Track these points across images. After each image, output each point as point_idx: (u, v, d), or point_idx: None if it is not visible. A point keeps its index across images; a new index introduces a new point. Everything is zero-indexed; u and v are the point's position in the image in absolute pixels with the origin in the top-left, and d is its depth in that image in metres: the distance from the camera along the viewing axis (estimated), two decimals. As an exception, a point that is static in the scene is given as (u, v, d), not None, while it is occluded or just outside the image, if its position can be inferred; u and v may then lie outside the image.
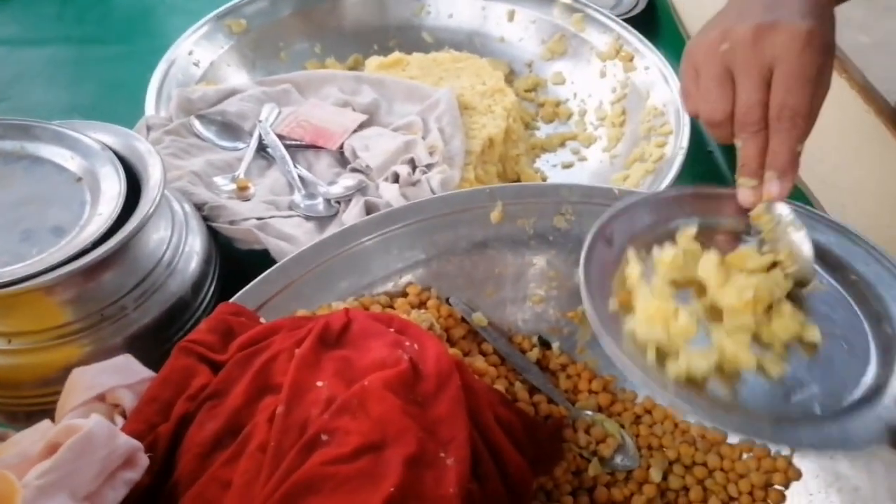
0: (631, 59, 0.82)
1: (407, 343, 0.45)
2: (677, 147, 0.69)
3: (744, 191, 0.46)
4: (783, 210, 0.47)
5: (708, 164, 0.80)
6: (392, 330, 0.46)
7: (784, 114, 0.42)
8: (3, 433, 0.45)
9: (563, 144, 0.82)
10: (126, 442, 0.37)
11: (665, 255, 0.45)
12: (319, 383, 0.42)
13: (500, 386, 0.51)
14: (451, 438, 0.42)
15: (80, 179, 0.52)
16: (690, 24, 0.92)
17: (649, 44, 0.82)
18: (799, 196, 0.66)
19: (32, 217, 0.49)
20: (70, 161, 0.52)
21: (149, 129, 0.68)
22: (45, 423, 0.40)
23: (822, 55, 0.42)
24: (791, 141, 0.43)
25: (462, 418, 0.42)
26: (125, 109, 0.76)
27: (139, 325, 0.49)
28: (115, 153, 0.53)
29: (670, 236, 0.47)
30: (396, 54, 0.83)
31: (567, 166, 0.79)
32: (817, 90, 0.42)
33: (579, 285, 0.44)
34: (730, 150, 0.80)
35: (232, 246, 0.60)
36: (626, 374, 0.43)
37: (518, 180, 0.76)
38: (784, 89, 0.42)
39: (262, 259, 0.58)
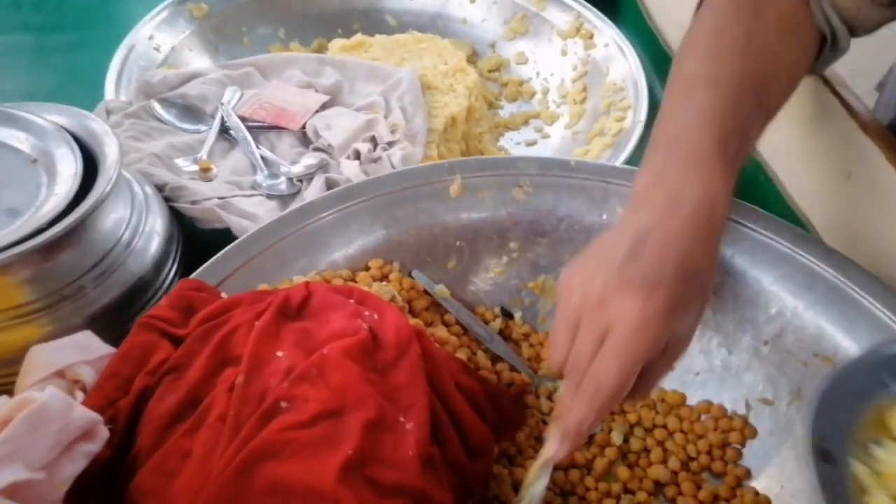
0: (591, 37, 0.83)
1: (366, 313, 0.46)
2: (636, 121, 0.71)
3: (549, 440, 0.43)
4: None
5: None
6: (352, 301, 0.47)
7: (590, 381, 0.40)
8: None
9: (526, 123, 0.82)
10: (84, 414, 0.38)
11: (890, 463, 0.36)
12: (279, 353, 0.43)
13: (462, 355, 0.52)
14: (411, 404, 0.42)
15: (35, 161, 0.52)
16: (650, 1, 0.93)
17: (608, 21, 0.83)
18: (754, 165, 0.67)
19: (-13, 199, 0.49)
20: (24, 143, 0.52)
21: (108, 112, 0.67)
22: (2, 399, 0.40)
23: (656, 335, 0.40)
24: (583, 409, 0.40)
25: (421, 385, 0.43)
26: (85, 96, 0.75)
27: (99, 305, 0.49)
28: (71, 134, 0.52)
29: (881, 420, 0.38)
30: (359, 36, 0.83)
31: (531, 144, 0.80)
32: (634, 366, 0.40)
33: None
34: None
35: (195, 226, 0.60)
36: None
37: (482, 158, 0.77)
38: (602, 359, 0.40)
39: (225, 239, 0.58)
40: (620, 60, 0.79)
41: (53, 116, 0.54)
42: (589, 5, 0.86)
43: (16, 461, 0.33)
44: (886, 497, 0.35)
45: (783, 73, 0.50)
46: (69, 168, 0.51)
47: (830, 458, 0.36)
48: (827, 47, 0.52)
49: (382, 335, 0.44)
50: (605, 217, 0.57)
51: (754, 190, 0.68)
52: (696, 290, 0.42)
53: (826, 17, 0.50)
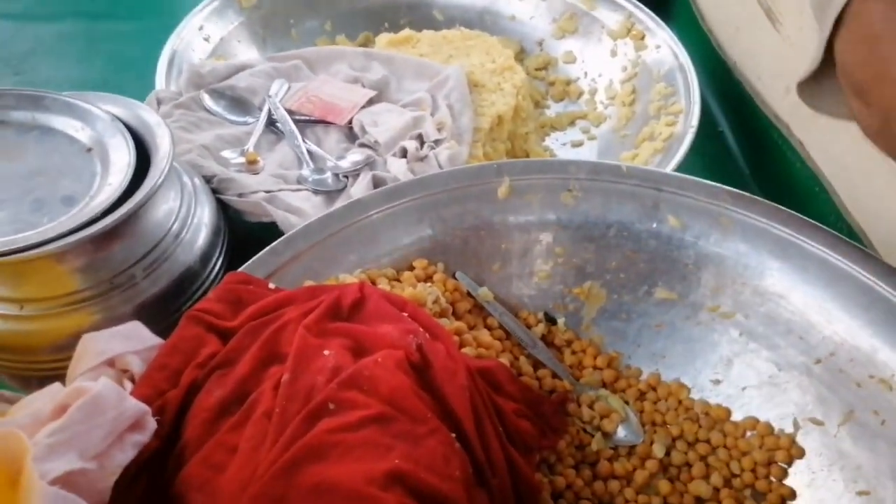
0: (642, 38, 0.82)
1: (420, 330, 0.45)
2: (687, 126, 0.69)
3: None
4: None
5: (718, 144, 0.79)
6: (405, 314, 0.47)
7: None
8: (16, 397, 0.45)
9: (572, 123, 0.81)
10: (134, 405, 0.38)
11: None
12: (326, 352, 0.43)
13: (504, 360, 0.52)
14: (457, 428, 0.42)
15: (90, 150, 0.52)
16: (703, 1, 0.90)
17: (661, 22, 0.81)
18: (808, 176, 0.65)
19: (43, 187, 0.49)
20: (80, 132, 0.53)
21: (159, 102, 0.68)
22: (56, 385, 0.40)
23: None
24: None
25: (467, 413, 0.42)
26: (135, 85, 0.76)
27: (148, 295, 0.50)
28: (125, 124, 0.53)
29: None
30: (407, 31, 0.82)
31: (577, 145, 0.79)
32: None
33: None
34: (741, 131, 0.79)
35: (241, 218, 0.61)
36: None
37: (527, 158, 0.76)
38: None
39: (271, 232, 0.58)
40: (672, 63, 0.77)
41: (109, 106, 0.54)
42: (641, 5, 0.84)
43: (71, 449, 0.34)
44: None
45: None
46: (122, 158, 0.51)
47: None
48: None
49: (433, 357, 0.44)
50: (655, 226, 0.55)
51: (808, 202, 0.66)
52: None
53: None
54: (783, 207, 0.54)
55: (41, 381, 0.50)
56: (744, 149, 0.78)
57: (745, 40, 0.80)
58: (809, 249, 0.53)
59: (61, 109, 0.54)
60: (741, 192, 0.55)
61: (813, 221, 0.53)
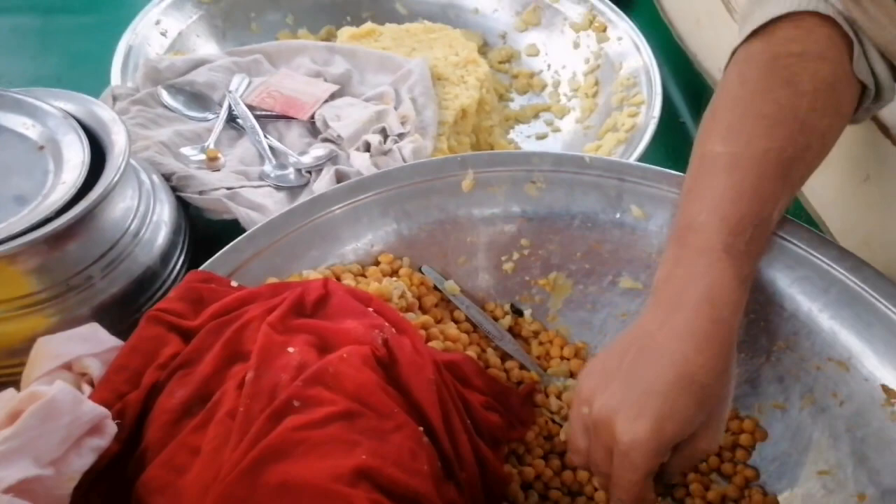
0: (604, 30, 0.82)
1: (386, 325, 0.45)
2: (649, 117, 0.70)
3: None
4: None
5: (680, 134, 0.80)
6: (371, 310, 0.46)
7: (614, 483, 0.42)
8: (-31, 405, 0.44)
9: (536, 116, 0.82)
10: (92, 409, 0.37)
11: None
12: (291, 349, 0.42)
13: (472, 352, 0.52)
14: (425, 422, 0.42)
15: (41, 148, 0.51)
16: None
17: (622, 14, 0.82)
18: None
19: (-6, 186, 0.48)
20: (31, 129, 0.51)
21: (115, 98, 0.67)
22: (10, 391, 0.39)
23: (648, 451, 0.40)
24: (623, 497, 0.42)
25: (434, 406, 0.42)
26: (91, 81, 0.74)
27: (106, 295, 0.49)
28: (79, 121, 0.51)
29: None
30: (369, 24, 0.82)
31: (541, 137, 0.79)
32: (641, 478, 0.41)
33: None
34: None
35: (202, 216, 0.60)
36: None
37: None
38: (616, 470, 0.41)
39: (233, 230, 0.57)
40: (634, 55, 0.78)
41: (60, 103, 0.53)
42: (602, -3, 0.85)
43: (25, 456, 0.33)
44: None
45: (815, 142, 0.47)
46: (77, 155, 0.50)
47: None
48: (869, 98, 0.49)
49: (399, 352, 0.43)
50: (618, 216, 0.56)
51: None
52: (696, 400, 0.41)
53: (871, 68, 0.47)
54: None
55: (-5, 386, 0.49)
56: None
57: (705, 33, 0.82)
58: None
59: (10, 106, 0.52)
60: (702, 181, 0.56)
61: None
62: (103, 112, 0.52)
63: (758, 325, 0.53)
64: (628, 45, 0.79)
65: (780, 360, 0.52)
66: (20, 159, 0.50)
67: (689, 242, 0.45)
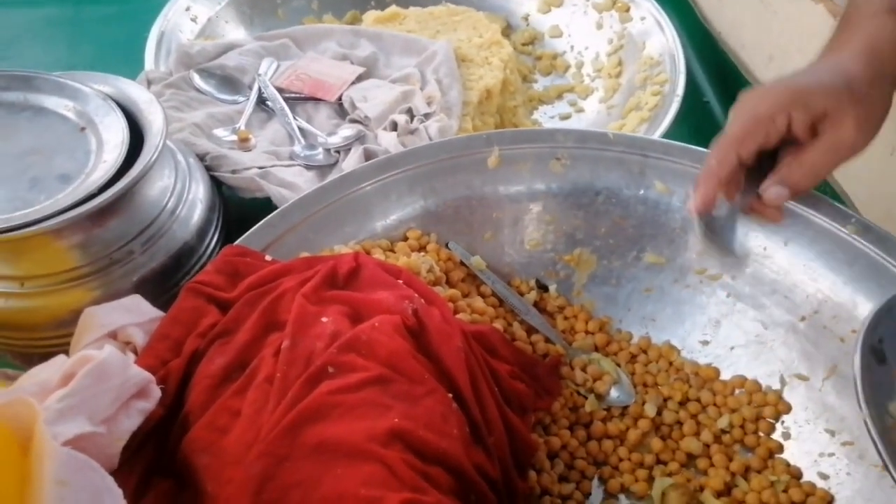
0: (627, 10, 0.82)
1: (415, 296, 0.46)
2: (673, 95, 0.70)
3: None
4: None
5: (704, 114, 0.80)
6: (401, 282, 0.48)
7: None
8: (19, 375, 0.46)
9: (560, 97, 0.82)
10: (139, 373, 0.39)
11: None
12: (324, 319, 0.44)
13: (498, 325, 0.53)
14: (454, 388, 0.43)
15: (83, 129, 0.53)
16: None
17: (645, -7, 0.82)
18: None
19: (39, 166, 0.50)
20: (73, 111, 0.53)
21: (149, 82, 0.68)
22: (61, 357, 0.41)
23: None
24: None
25: (463, 374, 0.43)
26: (123, 68, 0.75)
27: (147, 269, 0.51)
28: (117, 103, 0.53)
29: None
30: (393, 8, 0.83)
31: (565, 117, 0.80)
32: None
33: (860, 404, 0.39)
34: (726, 100, 0.80)
35: (235, 195, 0.61)
36: None
37: (516, 132, 0.77)
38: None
39: (265, 207, 0.59)
40: (657, 34, 0.78)
41: (99, 85, 0.55)
42: (625, -22, 0.85)
43: (80, 412, 0.35)
44: None
45: None
46: (116, 136, 0.51)
47: (883, 358, 0.40)
48: None
49: (428, 321, 0.45)
50: (642, 192, 0.57)
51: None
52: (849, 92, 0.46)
53: None
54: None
55: (43, 357, 0.50)
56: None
57: (730, 11, 0.81)
58: (793, 209, 0.54)
59: (52, 89, 0.54)
60: (725, 156, 0.56)
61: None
62: (140, 93, 0.54)
63: (780, 297, 0.53)
64: (651, 24, 0.79)
65: (803, 332, 0.53)
66: (63, 140, 0.52)
67: (853, 13, 0.50)
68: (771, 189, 0.50)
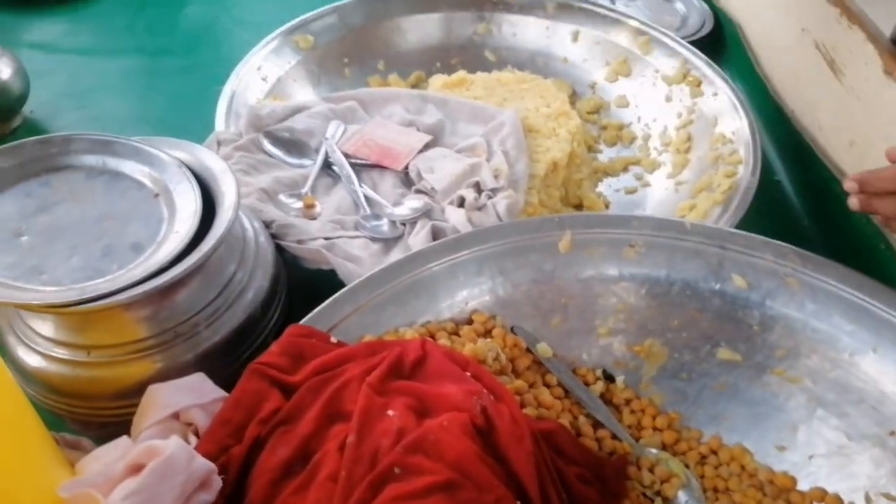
0: (699, 84, 0.81)
1: (484, 391, 0.45)
2: (748, 177, 0.68)
3: None
4: None
5: (776, 194, 0.78)
6: (468, 374, 0.46)
7: None
8: (78, 441, 0.46)
9: (626, 169, 0.81)
10: (202, 464, 0.38)
11: None
12: (390, 412, 0.42)
13: (564, 420, 0.51)
14: (523, 494, 0.41)
15: (157, 195, 0.53)
16: (758, 46, 0.89)
17: (719, 69, 0.81)
18: (874, 234, 0.64)
19: (112, 232, 0.50)
20: (148, 177, 0.54)
21: (219, 144, 0.69)
22: (124, 440, 0.41)
23: None
24: None
25: (533, 482, 0.41)
26: (192, 122, 0.78)
27: (210, 343, 0.50)
28: (190, 169, 0.54)
29: None
30: (461, 73, 0.83)
31: (630, 192, 0.78)
32: None
33: None
34: (799, 181, 0.78)
35: (296, 263, 0.61)
36: None
37: (581, 205, 0.75)
38: None
39: (326, 277, 0.58)
40: (731, 112, 0.76)
41: (175, 152, 0.55)
42: (696, 51, 0.84)
43: (144, 514, 0.34)
44: None
45: None
46: (189, 205, 0.52)
47: None
48: None
49: (497, 420, 0.43)
50: (719, 286, 0.54)
51: (872, 259, 0.64)
52: None
53: None
54: (855, 271, 0.53)
55: (101, 425, 0.51)
56: (803, 199, 0.77)
57: (805, 89, 0.79)
58: (882, 315, 0.51)
59: (130, 154, 0.54)
60: (810, 253, 0.54)
61: (887, 287, 0.52)
62: (215, 163, 0.54)
63: (866, 407, 0.50)
64: (725, 101, 0.78)
65: (894, 448, 0.49)
66: (137, 206, 0.52)
67: None
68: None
